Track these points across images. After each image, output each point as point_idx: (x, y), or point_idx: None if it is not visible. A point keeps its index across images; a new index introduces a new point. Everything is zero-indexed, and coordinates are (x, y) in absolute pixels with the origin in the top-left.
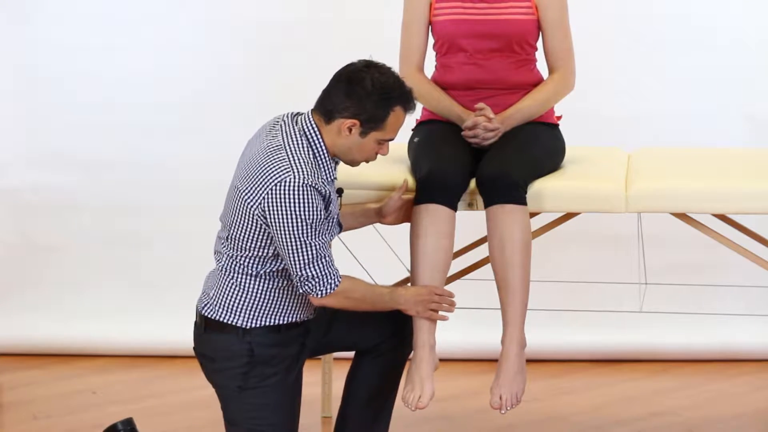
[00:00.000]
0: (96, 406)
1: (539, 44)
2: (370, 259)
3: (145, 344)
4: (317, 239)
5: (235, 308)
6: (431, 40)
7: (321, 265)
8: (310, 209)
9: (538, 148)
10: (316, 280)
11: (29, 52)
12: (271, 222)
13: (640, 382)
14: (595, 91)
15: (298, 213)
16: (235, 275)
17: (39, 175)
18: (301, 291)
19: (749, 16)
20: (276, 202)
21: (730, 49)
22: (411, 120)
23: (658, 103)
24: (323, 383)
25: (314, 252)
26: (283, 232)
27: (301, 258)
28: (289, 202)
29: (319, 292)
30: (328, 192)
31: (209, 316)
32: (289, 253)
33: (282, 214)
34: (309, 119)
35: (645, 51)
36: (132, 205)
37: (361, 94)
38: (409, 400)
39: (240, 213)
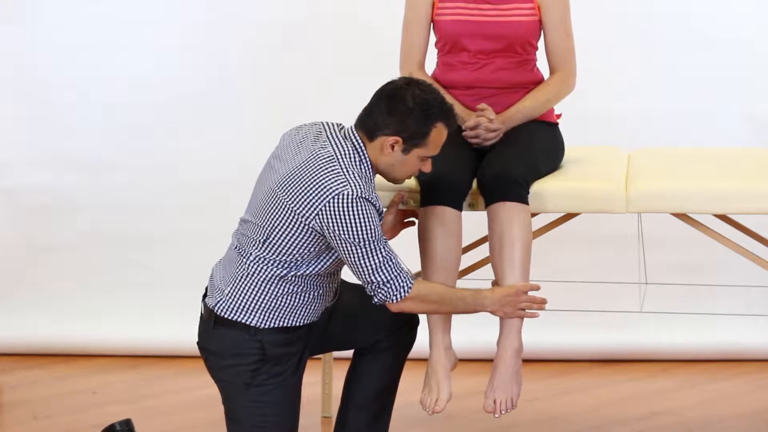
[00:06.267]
0: (96, 406)
1: (540, 43)
2: None
3: (145, 344)
4: (380, 244)
5: (251, 308)
6: (432, 38)
7: (389, 268)
8: (368, 219)
9: (538, 147)
10: (388, 285)
11: (29, 52)
12: (330, 234)
13: (640, 382)
14: (595, 91)
15: (357, 224)
16: (262, 275)
17: (39, 175)
18: (376, 301)
19: (749, 16)
20: (334, 215)
21: (730, 49)
22: None
23: (658, 103)
24: (323, 383)
25: (380, 257)
26: (346, 244)
27: (367, 264)
28: (348, 215)
29: (394, 297)
30: (379, 205)
31: (222, 314)
32: (356, 263)
33: (342, 227)
34: (355, 135)
35: (645, 51)
36: (132, 205)
37: (403, 111)
38: (426, 403)
39: (287, 219)
